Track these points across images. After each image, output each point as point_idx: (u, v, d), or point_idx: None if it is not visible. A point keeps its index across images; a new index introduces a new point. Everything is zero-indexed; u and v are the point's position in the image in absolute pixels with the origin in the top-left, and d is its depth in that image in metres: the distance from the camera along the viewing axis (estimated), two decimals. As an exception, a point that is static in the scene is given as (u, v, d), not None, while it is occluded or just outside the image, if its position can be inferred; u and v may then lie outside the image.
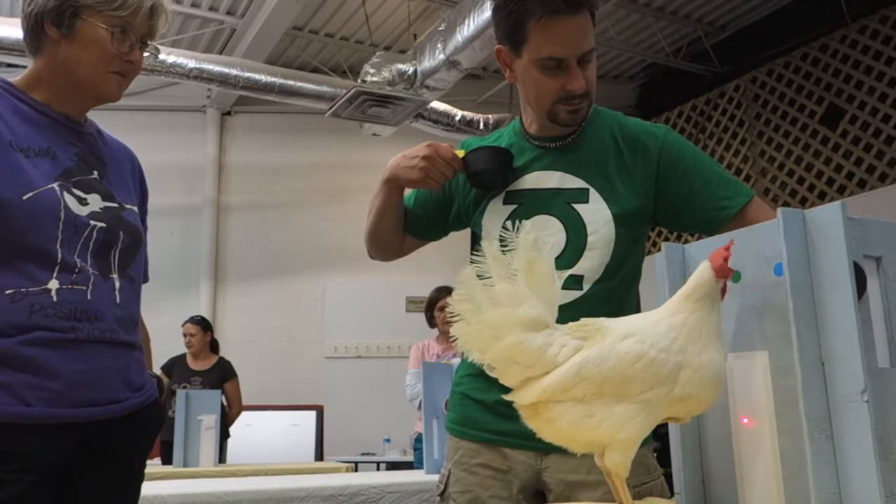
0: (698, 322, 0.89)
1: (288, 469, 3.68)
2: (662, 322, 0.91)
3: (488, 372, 0.92)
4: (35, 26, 1.31)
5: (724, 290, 0.92)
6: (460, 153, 1.44)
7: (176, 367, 4.88)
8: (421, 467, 4.05)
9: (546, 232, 1.35)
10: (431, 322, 4.36)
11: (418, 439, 4.28)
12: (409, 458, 5.10)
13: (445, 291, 4.28)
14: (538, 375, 0.89)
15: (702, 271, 0.91)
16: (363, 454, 5.87)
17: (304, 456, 5.85)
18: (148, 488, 2.24)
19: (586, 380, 0.87)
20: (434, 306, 4.30)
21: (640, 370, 0.87)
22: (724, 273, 0.90)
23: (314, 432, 6.13)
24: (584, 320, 0.93)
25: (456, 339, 0.91)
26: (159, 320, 4.89)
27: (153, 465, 3.97)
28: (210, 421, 3.55)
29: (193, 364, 4.93)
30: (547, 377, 0.88)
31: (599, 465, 0.94)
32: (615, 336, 0.89)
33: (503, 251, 0.90)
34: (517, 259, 0.90)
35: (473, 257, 0.91)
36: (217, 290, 6.57)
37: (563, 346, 0.89)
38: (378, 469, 5.50)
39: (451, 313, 0.90)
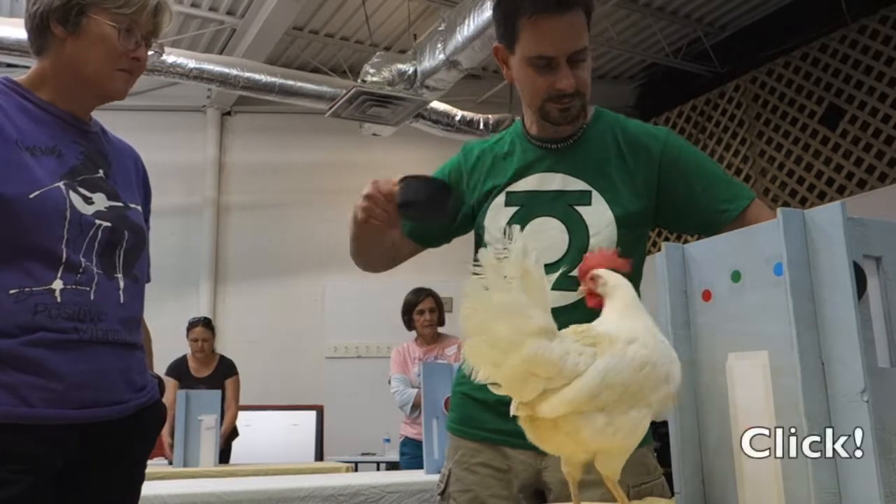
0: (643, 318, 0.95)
1: (288, 469, 3.68)
2: (650, 324, 0.93)
3: (494, 390, 0.87)
4: (41, 25, 1.31)
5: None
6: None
7: (181, 374, 4.75)
8: (408, 469, 4.07)
9: (542, 229, 1.36)
10: (410, 325, 4.32)
11: (404, 443, 4.27)
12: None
13: (424, 294, 4.25)
14: (558, 387, 0.85)
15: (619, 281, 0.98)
16: (363, 454, 5.87)
17: (304, 456, 5.85)
18: (148, 488, 2.24)
19: (610, 387, 0.85)
20: (413, 309, 4.26)
21: (647, 375, 0.87)
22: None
23: (314, 432, 6.13)
24: (579, 327, 0.92)
25: (466, 358, 0.87)
26: (160, 320, 4.87)
27: (153, 465, 3.97)
28: (210, 421, 3.55)
29: (197, 370, 4.83)
30: (570, 388, 0.84)
31: (569, 471, 0.94)
32: (622, 342, 0.89)
33: (498, 259, 0.87)
34: (511, 267, 0.86)
35: (473, 268, 0.87)
36: (217, 290, 6.57)
37: (581, 354, 0.86)
38: (378, 469, 5.49)
39: (465, 332, 0.86)
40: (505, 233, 0.89)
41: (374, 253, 1.54)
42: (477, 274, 0.86)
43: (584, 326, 0.92)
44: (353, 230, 1.46)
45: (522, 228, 1.37)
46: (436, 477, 1.54)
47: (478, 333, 0.85)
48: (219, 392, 3.85)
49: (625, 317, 0.95)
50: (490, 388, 0.87)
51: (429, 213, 1.32)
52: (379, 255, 1.55)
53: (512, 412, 0.90)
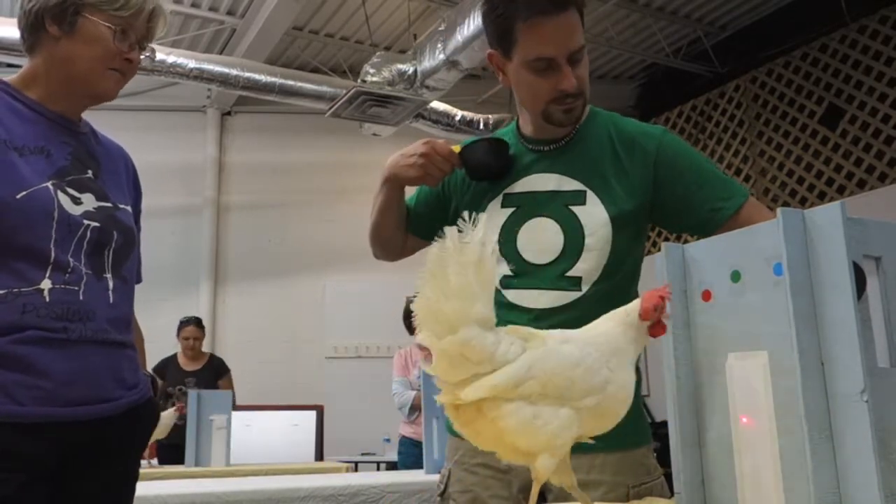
0: (622, 343, 0.93)
1: (288, 469, 3.68)
2: (598, 335, 0.94)
3: (425, 367, 0.91)
4: (35, 23, 1.31)
5: (655, 329, 0.94)
6: (457, 148, 1.45)
7: (169, 368, 4.87)
8: (404, 468, 4.09)
9: (537, 229, 1.36)
10: (411, 329, 4.32)
11: (402, 443, 4.33)
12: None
13: None
14: (486, 372, 0.88)
15: (634, 304, 0.95)
16: (363, 454, 5.87)
17: (304, 456, 5.84)
18: (148, 488, 2.24)
19: (535, 378, 0.87)
20: (412, 314, 4.27)
21: (579, 375, 0.88)
22: (648, 315, 0.92)
23: (314, 432, 6.12)
24: (514, 327, 0.94)
25: (415, 314, 0.91)
26: (159, 320, 4.89)
27: (156, 466, 3.97)
28: (221, 421, 3.57)
29: (186, 364, 4.92)
30: (497, 373, 0.88)
31: (560, 482, 0.95)
32: (555, 340, 0.91)
33: (460, 242, 0.89)
34: (469, 253, 0.89)
35: (436, 240, 0.89)
36: (217, 290, 6.57)
37: (512, 345, 0.90)
38: (378, 469, 5.49)
39: (415, 293, 0.90)
40: (471, 219, 0.90)
41: (394, 233, 1.58)
42: (439, 246, 0.89)
43: (520, 327, 0.94)
44: (380, 205, 1.53)
45: (518, 229, 1.39)
46: (436, 477, 1.54)
47: (427, 303, 0.89)
48: (230, 392, 3.86)
49: (581, 329, 0.97)
50: (423, 364, 0.91)
51: (496, 169, 1.45)
52: (398, 235, 1.59)
53: (438, 400, 0.92)
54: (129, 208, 1.41)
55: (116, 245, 1.33)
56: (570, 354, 0.89)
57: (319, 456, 6.04)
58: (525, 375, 0.87)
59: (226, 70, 5.35)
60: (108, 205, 1.35)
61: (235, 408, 4.90)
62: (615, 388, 0.89)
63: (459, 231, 0.89)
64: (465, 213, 0.90)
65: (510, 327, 0.93)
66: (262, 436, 5.77)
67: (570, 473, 0.94)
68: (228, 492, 2.36)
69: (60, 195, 1.27)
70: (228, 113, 6.90)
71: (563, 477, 0.94)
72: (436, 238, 0.89)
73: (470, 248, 0.89)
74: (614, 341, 0.92)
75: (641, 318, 0.93)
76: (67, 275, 1.25)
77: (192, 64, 5.23)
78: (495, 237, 1.38)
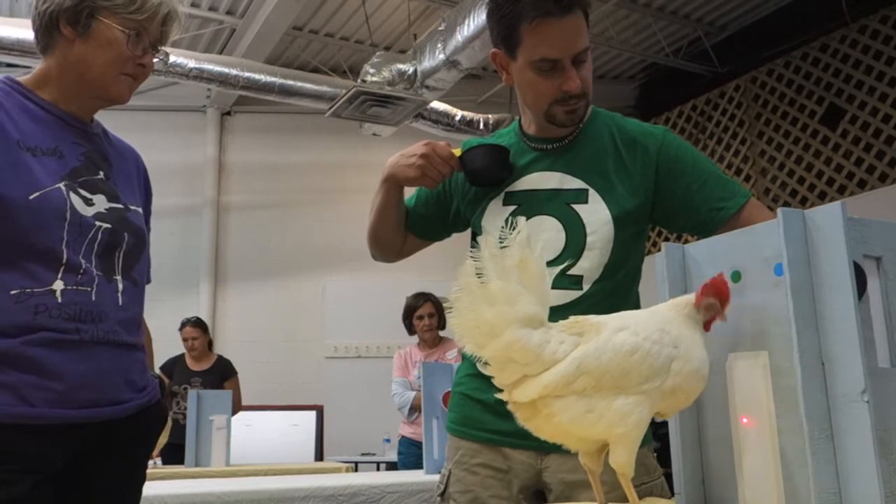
0: (685, 324, 0.92)
1: (288, 469, 3.68)
2: (654, 316, 0.93)
3: (481, 369, 0.92)
4: (49, 24, 1.31)
5: (708, 323, 0.93)
6: (457, 151, 1.45)
7: (176, 367, 4.88)
8: (404, 468, 4.09)
9: (539, 228, 1.36)
10: (411, 329, 4.33)
11: (401, 443, 4.33)
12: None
13: (423, 298, 4.25)
14: (536, 373, 0.89)
15: (689, 296, 0.93)
16: (363, 454, 5.87)
17: (304, 456, 5.85)
18: (148, 488, 2.24)
19: (587, 373, 0.87)
20: (412, 314, 4.27)
21: (636, 362, 0.88)
22: (699, 306, 0.91)
23: (314, 432, 6.13)
24: (574, 318, 0.94)
25: (455, 332, 0.91)
26: (159, 321, 4.87)
27: (160, 466, 3.97)
28: (221, 421, 3.56)
29: (193, 365, 4.93)
30: (547, 373, 0.88)
31: (584, 462, 0.96)
32: (610, 329, 0.91)
33: (499, 247, 0.91)
34: (511, 256, 0.90)
35: (471, 253, 0.91)
36: (217, 290, 6.57)
37: (562, 343, 0.90)
38: (378, 469, 5.49)
39: (450, 307, 0.91)
40: (508, 223, 0.92)
41: (393, 233, 1.58)
42: (473, 259, 0.90)
43: (581, 318, 0.94)
44: (378, 206, 1.54)
45: None
46: (436, 477, 1.54)
47: (464, 314, 0.90)
48: (230, 392, 3.86)
49: (637, 312, 0.97)
50: (480, 367, 0.92)
51: (495, 176, 1.44)
52: (397, 236, 1.60)
53: (496, 396, 0.94)
54: (140, 210, 1.41)
55: (127, 246, 1.34)
56: (624, 343, 0.89)
57: (319, 456, 6.04)
58: (575, 373, 0.87)
59: (225, 70, 5.35)
60: (120, 206, 1.35)
61: (239, 409, 4.91)
62: (681, 364, 0.89)
63: (500, 238, 0.90)
64: (513, 220, 0.92)
65: (566, 320, 0.93)
66: (262, 436, 5.79)
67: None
68: (228, 492, 2.36)
69: (73, 196, 1.27)
70: (228, 113, 6.89)
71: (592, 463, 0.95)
72: (469, 253, 0.91)
73: (510, 251, 0.90)
74: (677, 328, 0.91)
75: (695, 307, 0.92)
76: (79, 276, 1.25)
77: (191, 64, 5.23)
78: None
